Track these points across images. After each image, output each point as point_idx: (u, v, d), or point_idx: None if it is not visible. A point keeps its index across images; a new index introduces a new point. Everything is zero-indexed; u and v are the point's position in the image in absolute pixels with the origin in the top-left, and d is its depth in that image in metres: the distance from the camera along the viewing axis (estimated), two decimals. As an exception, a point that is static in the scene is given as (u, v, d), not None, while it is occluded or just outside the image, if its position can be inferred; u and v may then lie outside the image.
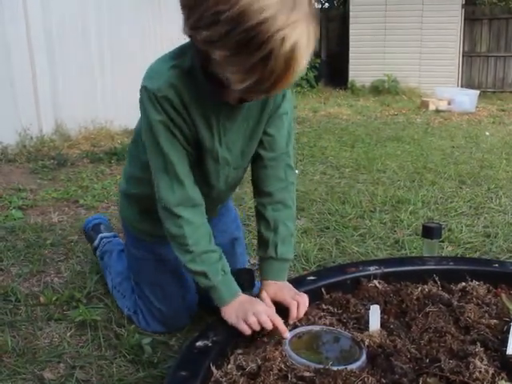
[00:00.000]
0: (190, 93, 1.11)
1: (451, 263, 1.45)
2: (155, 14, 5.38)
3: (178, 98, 1.10)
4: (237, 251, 1.58)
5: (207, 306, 1.44)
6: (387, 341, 1.18)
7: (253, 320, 1.16)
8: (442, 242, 2.27)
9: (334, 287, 1.38)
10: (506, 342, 1.14)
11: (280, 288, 1.30)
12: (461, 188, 3.11)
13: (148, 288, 1.54)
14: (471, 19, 9.93)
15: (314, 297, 1.35)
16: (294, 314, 1.23)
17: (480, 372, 1.03)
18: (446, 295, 1.35)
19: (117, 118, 4.83)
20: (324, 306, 1.33)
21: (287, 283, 1.33)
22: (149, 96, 1.11)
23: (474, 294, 1.36)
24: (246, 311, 1.17)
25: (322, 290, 1.37)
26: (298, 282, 1.38)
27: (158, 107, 1.11)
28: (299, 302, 1.25)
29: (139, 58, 4.79)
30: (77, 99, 4.57)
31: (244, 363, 1.07)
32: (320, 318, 1.29)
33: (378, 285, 1.41)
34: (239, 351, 1.13)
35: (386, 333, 1.21)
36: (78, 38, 4.59)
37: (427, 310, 1.30)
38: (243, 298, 1.24)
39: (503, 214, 2.61)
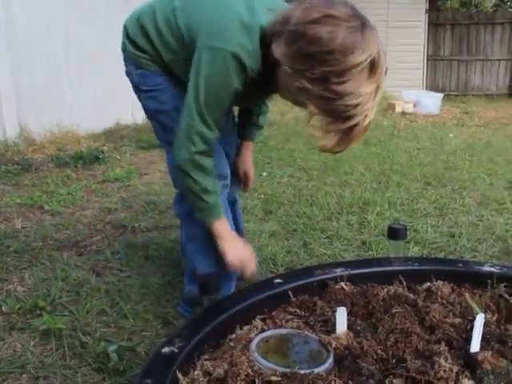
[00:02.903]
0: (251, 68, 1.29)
1: (416, 264, 1.47)
2: (121, 15, 5.33)
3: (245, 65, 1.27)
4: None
5: None
6: (354, 342, 1.19)
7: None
8: (408, 242, 2.31)
9: (301, 290, 1.38)
10: (470, 340, 1.16)
11: (250, 158, 1.83)
12: (426, 189, 3.16)
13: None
14: (435, 24, 10.17)
15: (281, 300, 1.35)
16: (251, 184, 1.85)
17: (445, 371, 1.04)
18: (412, 295, 1.37)
19: (83, 121, 4.75)
20: (291, 309, 1.33)
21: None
22: (224, 55, 1.26)
23: (439, 293, 1.38)
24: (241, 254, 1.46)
25: (289, 293, 1.36)
26: (265, 286, 1.38)
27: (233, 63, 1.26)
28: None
29: (106, 60, 4.73)
30: (41, 102, 4.48)
31: (211, 369, 1.06)
32: (287, 321, 1.29)
33: (344, 287, 1.41)
34: (206, 357, 1.12)
35: (352, 334, 1.22)
36: (43, 38, 4.50)
37: (393, 311, 1.31)
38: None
39: (467, 215, 2.67)
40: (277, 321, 1.28)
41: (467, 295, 1.30)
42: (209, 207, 1.43)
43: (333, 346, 1.16)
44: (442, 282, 1.42)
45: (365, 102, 1.16)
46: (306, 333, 1.21)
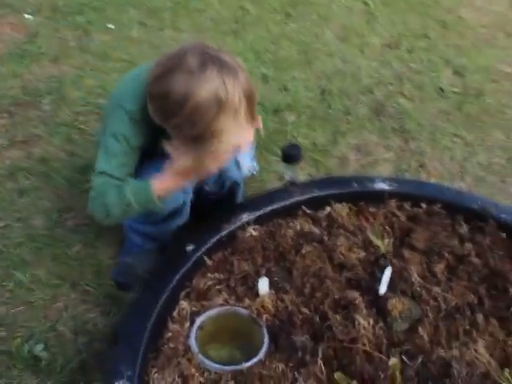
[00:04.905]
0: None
1: (315, 190, 1.52)
2: None
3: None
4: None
5: None
6: (278, 302, 1.29)
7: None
8: (282, 111, 2.31)
9: (213, 249, 1.40)
10: (375, 276, 1.32)
11: None
12: (286, 23, 3.04)
13: None
14: None
15: (198, 266, 1.37)
16: None
17: (364, 328, 1.20)
18: (317, 231, 1.45)
19: None
20: (210, 275, 1.36)
21: None
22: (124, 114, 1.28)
23: (339, 220, 1.48)
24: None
25: (204, 257, 1.38)
26: (179, 256, 1.37)
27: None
28: None
29: None
30: None
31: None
32: (209, 288, 1.33)
33: (253, 232, 1.45)
34: (154, 370, 1.15)
35: (274, 292, 1.31)
36: None
37: (303, 251, 1.40)
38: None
39: (331, 58, 2.68)
40: (199, 291, 1.32)
41: (369, 229, 1.42)
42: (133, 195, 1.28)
43: (263, 318, 1.24)
44: (340, 205, 1.52)
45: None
46: (235, 308, 1.27)
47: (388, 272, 1.27)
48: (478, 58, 2.70)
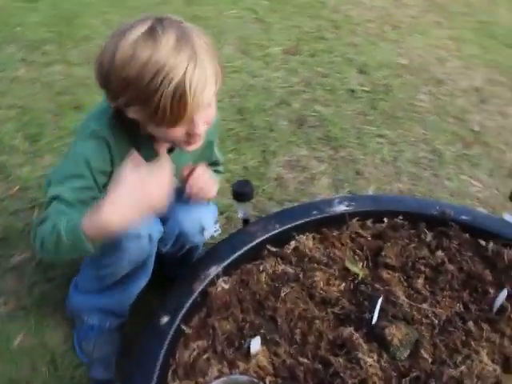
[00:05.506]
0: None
1: (277, 226, 1.45)
2: None
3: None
4: None
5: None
6: (273, 358, 1.20)
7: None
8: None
9: (189, 314, 1.28)
10: (361, 305, 1.28)
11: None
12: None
13: None
14: None
15: (178, 336, 1.25)
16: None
17: (371, 365, 1.15)
18: (290, 269, 1.38)
19: None
20: (193, 344, 1.24)
21: None
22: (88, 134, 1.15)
23: (308, 252, 1.42)
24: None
25: (182, 326, 1.25)
26: (155, 334, 1.23)
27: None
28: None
29: None
30: None
31: None
32: (196, 359, 1.21)
33: (224, 285, 1.35)
34: None
35: (266, 349, 1.22)
36: None
37: (282, 294, 1.33)
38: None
39: (238, 74, 2.61)
40: (186, 365, 1.20)
41: (346, 260, 1.38)
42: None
43: (266, 380, 1.15)
44: (304, 236, 1.46)
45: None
46: (232, 378, 1.16)
47: (379, 302, 1.23)
48: (375, 53, 2.78)
